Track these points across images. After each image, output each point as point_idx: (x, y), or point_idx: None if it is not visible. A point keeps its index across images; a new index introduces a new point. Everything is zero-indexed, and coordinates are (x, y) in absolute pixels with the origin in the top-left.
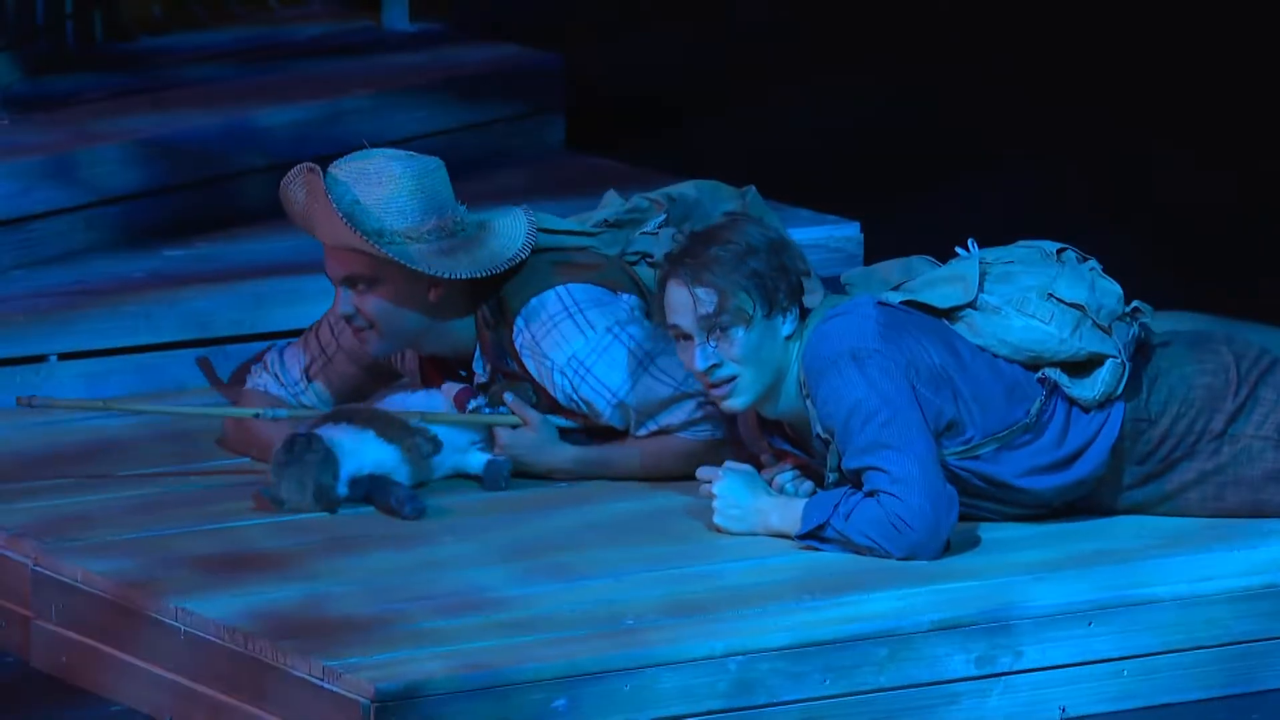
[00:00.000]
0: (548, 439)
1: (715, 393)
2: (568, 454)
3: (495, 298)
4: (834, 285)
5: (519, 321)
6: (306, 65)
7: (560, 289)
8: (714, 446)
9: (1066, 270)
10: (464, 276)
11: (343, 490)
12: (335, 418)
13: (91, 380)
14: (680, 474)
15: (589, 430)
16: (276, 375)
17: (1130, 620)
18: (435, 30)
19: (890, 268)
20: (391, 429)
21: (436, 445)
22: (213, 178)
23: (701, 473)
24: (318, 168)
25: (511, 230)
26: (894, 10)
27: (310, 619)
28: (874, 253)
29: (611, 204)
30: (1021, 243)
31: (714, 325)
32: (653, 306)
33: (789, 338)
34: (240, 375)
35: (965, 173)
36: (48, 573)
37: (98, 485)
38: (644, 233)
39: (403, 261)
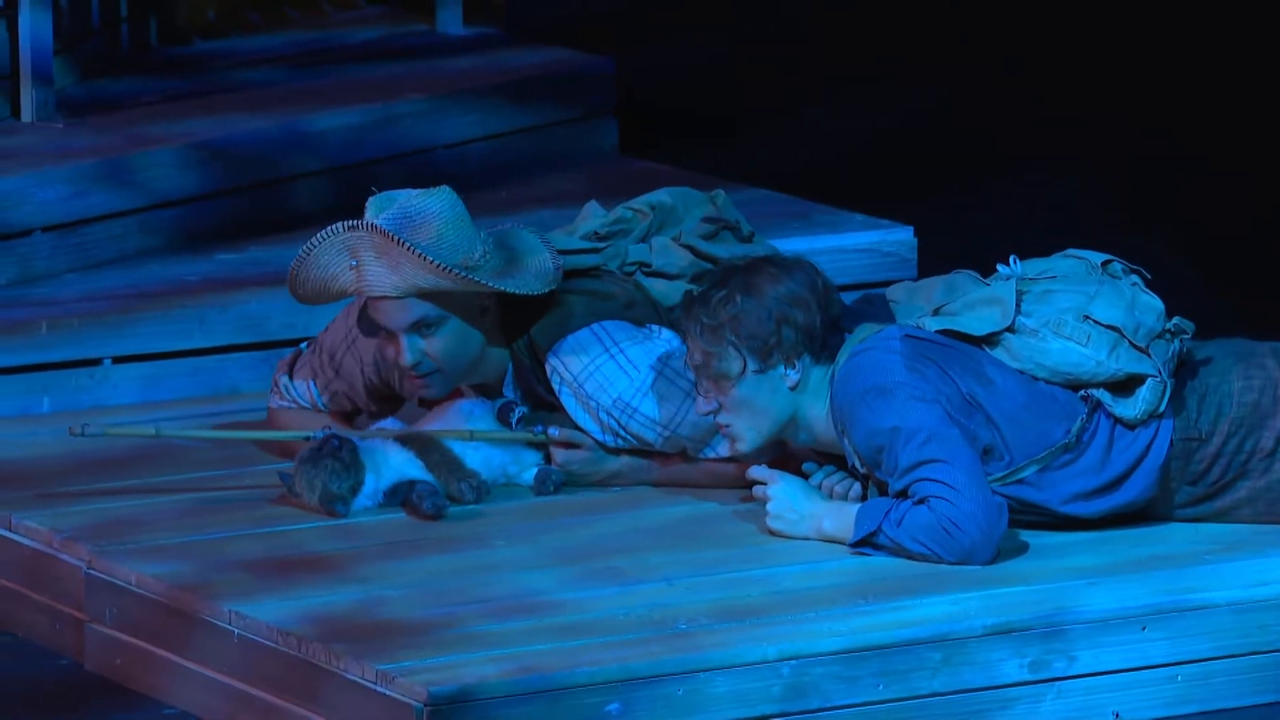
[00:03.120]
0: (602, 453)
1: (721, 434)
2: (622, 462)
3: (523, 329)
4: (881, 300)
5: (554, 360)
6: (360, 69)
7: (596, 327)
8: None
9: (1105, 288)
10: (539, 291)
11: (369, 501)
12: (394, 437)
13: (146, 383)
14: (735, 487)
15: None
16: (295, 401)
17: (1184, 625)
18: (489, 34)
19: (933, 285)
20: (442, 468)
21: (480, 494)
22: (266, 181)
23: (754, 473)
24: (363, 222)
25: (526, 242)
26: (940, 15)
27: (363, 622)
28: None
29: (594, 215)
30: (1069, 251)
31: (702, 376)
32: (661, 318)
33: (793, 387)
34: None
35: (1000, 176)
36: (101, 576)
37: (151, 489)
38: (634, 243)
39: (501, 289)
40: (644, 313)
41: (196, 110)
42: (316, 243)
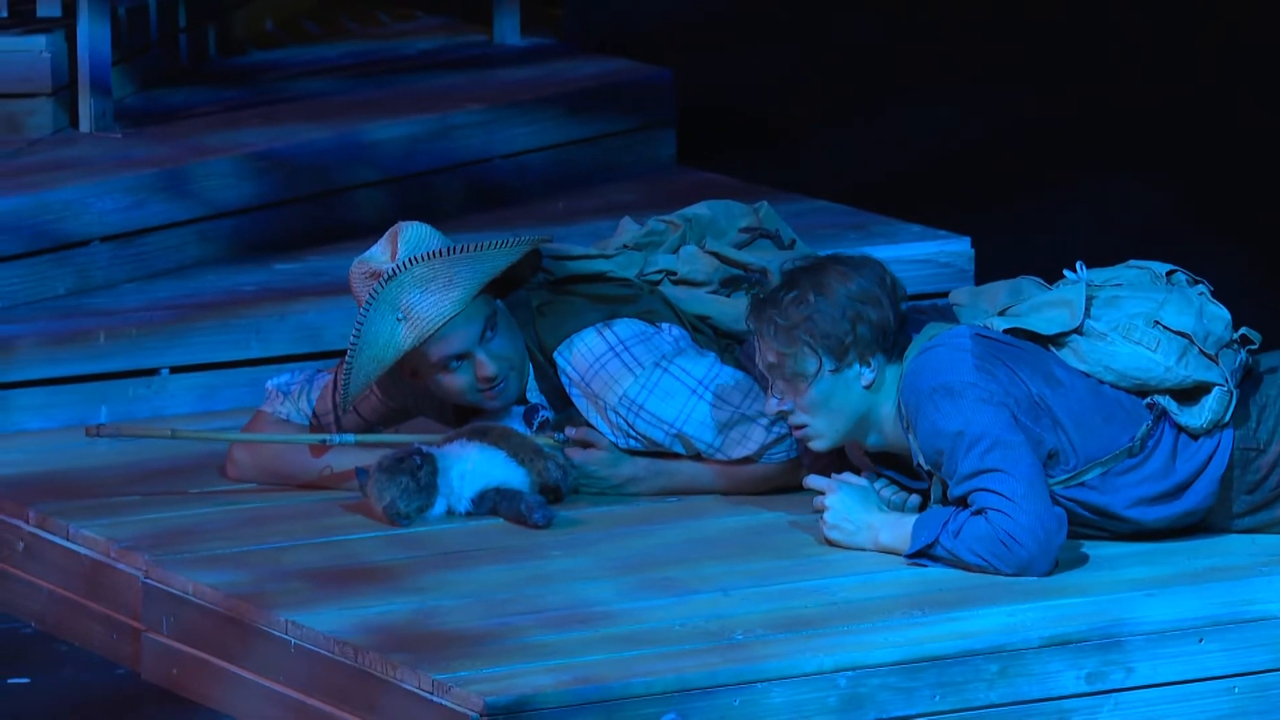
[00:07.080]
0: (618, 455)
1: (796, 434)
2: (640, 464)
3: (533, 332)
4: (942, 306)
5: (561, 361)
6: (418, 80)
7: (600, 326)
8: (793, 467)
9: (1174, 296)
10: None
11: (468, 506)
12: (470, 435)
13: (203, 393)
14: (756, 492)
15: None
16: (306, 411)
17: (1242, 637)
18: (546, 45)
19: (998, 289)
20: (522, 451)
21: (566, 472)
22: (324, 192)
23: (812, 482)
24: (395, 265)
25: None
26: (1001, 27)
27: (420, 632)
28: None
29: (628, 230)
30: (1132, 262)
31: (778, 377)
32: (684, 323)
33: (868, 386)
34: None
35: (1059, 187)
36: (159, 585)
37: (208, 498)
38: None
39: (538, 241)
40: (655, 314)
41: (254, 120)
42: (363, 318)
